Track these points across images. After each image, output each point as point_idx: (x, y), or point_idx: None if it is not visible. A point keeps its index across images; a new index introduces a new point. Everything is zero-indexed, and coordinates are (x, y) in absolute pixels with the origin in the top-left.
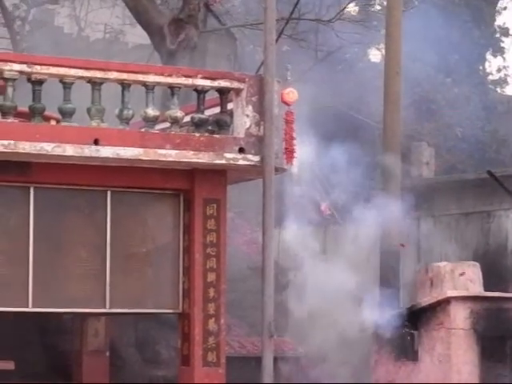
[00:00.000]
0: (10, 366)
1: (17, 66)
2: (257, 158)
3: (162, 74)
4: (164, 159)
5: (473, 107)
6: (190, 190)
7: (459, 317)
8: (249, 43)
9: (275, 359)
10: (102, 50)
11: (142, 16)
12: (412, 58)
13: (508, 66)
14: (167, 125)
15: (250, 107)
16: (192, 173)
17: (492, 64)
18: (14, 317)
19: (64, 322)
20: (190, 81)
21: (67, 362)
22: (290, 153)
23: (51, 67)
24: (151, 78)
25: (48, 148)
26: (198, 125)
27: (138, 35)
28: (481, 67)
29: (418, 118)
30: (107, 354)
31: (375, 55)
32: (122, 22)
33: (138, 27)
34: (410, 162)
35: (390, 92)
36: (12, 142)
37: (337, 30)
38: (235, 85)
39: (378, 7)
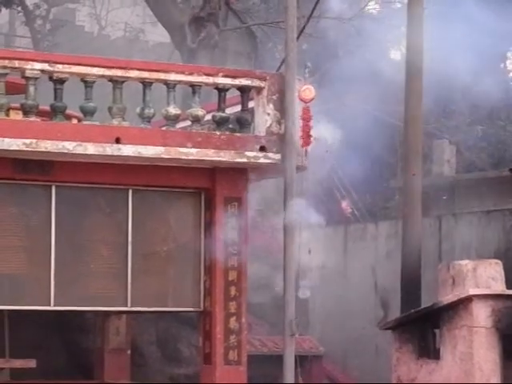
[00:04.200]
0: (31, 364)
1: (38, 65)
2: (278, 157)
3: (183, 73)
4: (185, 157)
5: (494, 105)
6: (211, 189)
7: (481, 315)
8: (269, 41)
9: (296, 357)
10: (122, 48)
11: (162, 14)
12: (432, 55)
13: None
14: (188, 123)
15: (271, 105)
16: (213, 171)
17: None
18: (35, 315)
19: (85, 321)
20: (211, 79)
21: (89, 360)
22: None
23: (73, 66)
24: (172, 77)
25: (69, 147)
26: (219, 123)
27: (158, 34)
28: (502, 65)
29: (439, 116)
30: (128, 352)
31: (395, 53)
32: (143, 20)
33: (159, 26)
34: (431, 159)
35: (411, 89)
36: (34, 140)
37: (358, 28)
38: (256, 83)
39: (399, 5)
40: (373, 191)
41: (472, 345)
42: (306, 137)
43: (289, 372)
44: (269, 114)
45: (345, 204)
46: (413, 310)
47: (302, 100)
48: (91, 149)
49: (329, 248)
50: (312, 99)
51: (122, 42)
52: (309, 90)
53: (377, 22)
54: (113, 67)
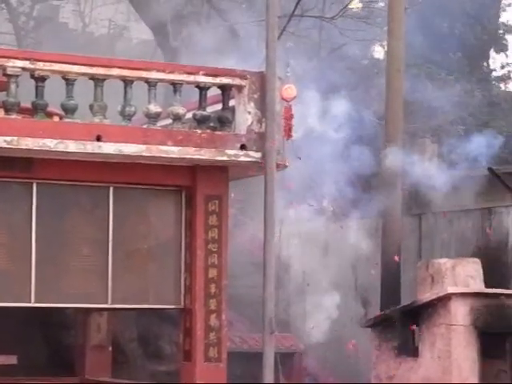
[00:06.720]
0: (12, 360)
1: (20, 63)
2: (258, 155)
3: (164, 71)
4: (166, 155)
5: (476, 104)
6: (192, 187)
7: (460, 313)
8: (252, 39)
9: (276, 354)
10: (106, 45)
11: (145, 12)
12: (414, 53)
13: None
14: (169, 121)
15: (252, 104)
16: (194, 169)
17: (496, 60)
18: (16, 312)
19: (67, 317)
20: (192, 77)
21: (70, 357)
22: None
23: (54, 64)
24: (153, 75)
25: (51, 144)
26: (200, 121)
27: (142, 31)
28: (485, 64)
29: (421, 115)
30: (110, 348)
31: (379, 52)
32: (127, 18)
33: (143, 23)
34: (412, 158)
35: (391, 89)
36: (15, 138)
37: (340, 27)
38: (237, 82)
39: (382, 4)
40: (354, 189)
41: (450, 343)
42: (288, 136)
43: (268, 370)
44: (250, 113)
45: (326, 202)
46: (392, 308)
47: (283, 99)
48: (72, 146)
49: (309, 245)
50: (294, 98)
51: (106, 39)
52: (290, 89)
53: (360, 21)
54: (94, 65)
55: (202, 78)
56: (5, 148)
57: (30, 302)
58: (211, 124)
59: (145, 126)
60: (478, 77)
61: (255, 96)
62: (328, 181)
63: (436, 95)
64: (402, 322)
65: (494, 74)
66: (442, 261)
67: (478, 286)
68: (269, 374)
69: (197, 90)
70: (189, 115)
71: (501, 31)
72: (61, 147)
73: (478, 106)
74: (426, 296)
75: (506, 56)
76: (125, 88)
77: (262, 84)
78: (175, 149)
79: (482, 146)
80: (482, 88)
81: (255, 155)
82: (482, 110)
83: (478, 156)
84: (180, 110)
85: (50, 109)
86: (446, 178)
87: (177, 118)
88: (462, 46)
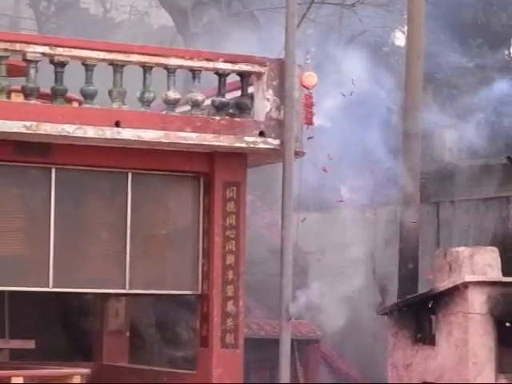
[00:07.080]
0: (30, 344)
1: (39, 48)
2: (277, 142)
3: (183, 57)
4: (184, 142)
5: (496, 92)
6: (210, 173)
7: (477, 302)
8: (272, 26)
9: (293, 341)
10: (126, 31)
11: None
12: (435, 41)
13: None
14: (188, 108)
15: (271, 91)
16: (212, 156)
17: None
18: (35, 297)
19: (85, 302)
20: (211, 64)
21: (87, 342)
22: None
23: (74, 49)
24: (173, 61)
25: (69, 129)
26: (219, 108)
27: (162, 17)
28: (506, 52)
29: (441, 103)
30: (127, 334)
31: (400, 38)
32: (148, 3)
33: (163, 9)
34: (432, 146)
35: (411, 76)
36: (34, 123)
37: (360, 14)
38: (256, 68)
39: None
40: (372, 177)
41: (467, 331)
42: (309, 123)
43: (284, 356)
44: (268, 100)
45: (344, 190)
46: (409, 296)
47: (304, 86)
48: (91, 132)
49: (328, 233)
50: (314, 86)
51: (127, 25)
52: (311, 77)
53: (380, 9)
54: (113, 51)
55: (221, 65)
56: (24, 133)
57: (48, 287)
58: (230, 111)
59: (163, 113)
60: (499, 64)
61: (274, 83)
62: (347, 169)
63: (456, 82)
64: (419, 310)
65: None
66: (460, 249)
67: (496, 274)
68: (285, 361)
69: (216, 76)
70: (207, 102)
71: None
72: (79, 133)
73: (499, 94)
74: (444, 284)
75: None
76: (144, 74)
77: (281, 71)
78: (194, 135)
79: (502, 134)
80: (503, 76)
81: (274, 142)
82: (504, 99)
83: (498, 145)
84: (199, 97)
85: (69, 94)
86: (465, 166)
87: (195, 104)
88: (484, 34)
